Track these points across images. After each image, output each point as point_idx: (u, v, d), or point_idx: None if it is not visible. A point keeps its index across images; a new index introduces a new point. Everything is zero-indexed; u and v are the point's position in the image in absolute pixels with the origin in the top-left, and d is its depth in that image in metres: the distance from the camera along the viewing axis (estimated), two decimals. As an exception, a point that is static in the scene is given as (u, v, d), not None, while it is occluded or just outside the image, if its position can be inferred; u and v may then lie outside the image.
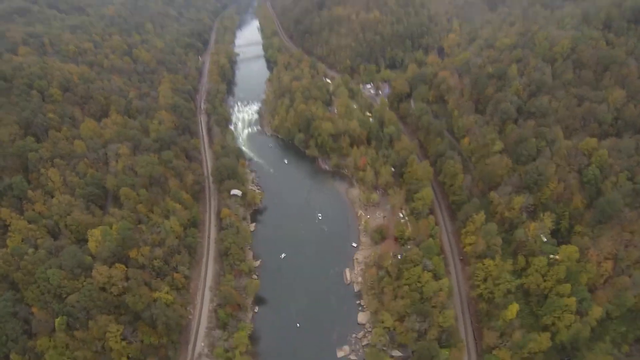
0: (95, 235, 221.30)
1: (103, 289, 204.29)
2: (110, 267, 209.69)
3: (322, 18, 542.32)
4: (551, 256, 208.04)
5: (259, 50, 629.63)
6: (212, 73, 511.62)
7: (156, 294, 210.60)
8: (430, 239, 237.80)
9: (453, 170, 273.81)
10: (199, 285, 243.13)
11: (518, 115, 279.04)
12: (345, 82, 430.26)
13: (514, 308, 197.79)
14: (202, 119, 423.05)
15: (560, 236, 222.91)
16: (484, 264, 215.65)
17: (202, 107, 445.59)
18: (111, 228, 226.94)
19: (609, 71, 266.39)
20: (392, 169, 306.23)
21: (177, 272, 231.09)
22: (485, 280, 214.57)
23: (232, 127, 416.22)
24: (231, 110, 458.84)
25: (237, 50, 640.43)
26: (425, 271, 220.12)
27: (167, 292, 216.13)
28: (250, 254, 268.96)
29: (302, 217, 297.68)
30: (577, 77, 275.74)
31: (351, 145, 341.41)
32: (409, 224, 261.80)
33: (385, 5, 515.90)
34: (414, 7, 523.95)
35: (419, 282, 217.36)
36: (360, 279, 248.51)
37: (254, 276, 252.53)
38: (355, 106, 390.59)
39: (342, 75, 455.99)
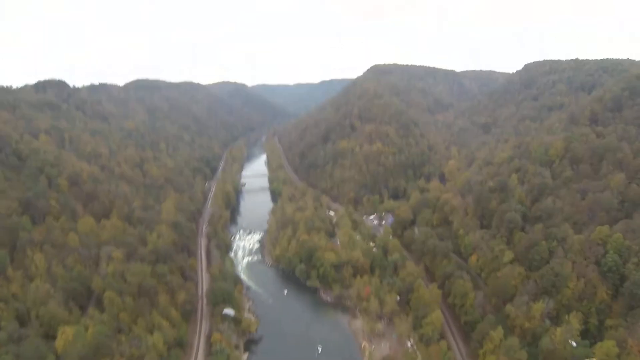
0: (66, 333, 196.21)
1: None
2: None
3: (326, 151, 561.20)
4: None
5: (264, 182, 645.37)
6: (217, 198, 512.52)
7: None
8: None
9: (463, 289, 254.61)
10: None
11: (524, 223, 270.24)
12: (348, 213, 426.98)
13: None
14: (202, 242, 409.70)
15: (591, 336, 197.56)
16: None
17: (203, 230, 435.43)
18: (86, 330, 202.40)
19: (605, 160, 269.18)
20: (398, 297, 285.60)
21: None
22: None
23: (232, 254, 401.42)
24: (233, 238, 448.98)
25: (243, 180, 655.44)
26: None
27: None
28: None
29: (301, 349, 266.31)
30: (576, 173, 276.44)
31: (354, 275, 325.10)
32: (418, 352, 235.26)
33: (387, 137, 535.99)
34: (414, 137, 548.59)
35: None
36: None
37: None
38: (358, 237, 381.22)
39: (345, 207, 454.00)
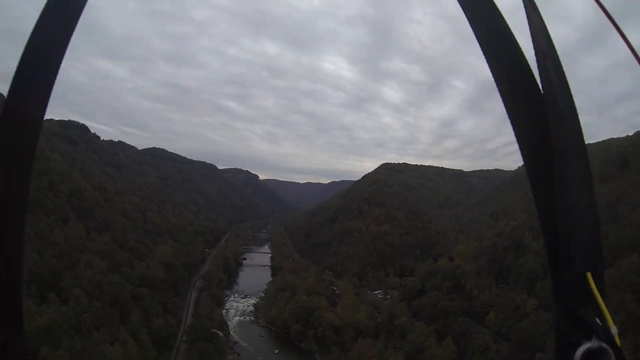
0: None
1: None
2: None
3: (333, 231, 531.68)
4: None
5: (266, 260, 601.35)
6: (216, 260, 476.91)
7: None
8: None
9: (482, 342, 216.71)
10: None
11: (544, 274, 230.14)
12: (353, 284, 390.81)
13: None
14: (193, 294, 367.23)
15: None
16: None
17: (196, 284, 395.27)
18: (39, 316, 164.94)
19: (621, 202, 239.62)
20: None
21: None
22: None
23: (223, 312, 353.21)
24: (227, 298, 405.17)
25: (244, 255, 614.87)
26: None
27: None
28: None
29: None
30: None
31: (355, 338, 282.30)
32: None
33: (395, 220, 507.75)
34: (422, 222, 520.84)
35: None
36: None
37: None
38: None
39: (349, 279, 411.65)
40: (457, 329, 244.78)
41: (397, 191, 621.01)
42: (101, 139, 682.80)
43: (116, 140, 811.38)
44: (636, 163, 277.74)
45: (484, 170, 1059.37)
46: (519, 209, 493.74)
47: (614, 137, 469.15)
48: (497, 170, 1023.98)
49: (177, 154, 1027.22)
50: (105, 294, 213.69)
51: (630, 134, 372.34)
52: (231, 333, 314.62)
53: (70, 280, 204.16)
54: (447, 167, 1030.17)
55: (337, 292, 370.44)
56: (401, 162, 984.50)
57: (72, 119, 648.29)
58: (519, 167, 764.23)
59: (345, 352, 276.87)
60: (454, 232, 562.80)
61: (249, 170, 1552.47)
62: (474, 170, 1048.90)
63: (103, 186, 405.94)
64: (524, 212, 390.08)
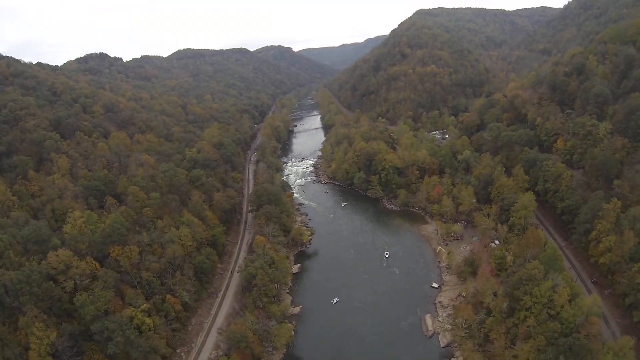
0: (75, 217, 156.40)
1: (54, 280, 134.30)
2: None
3: (378, 79, 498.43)
4: None
5: (316, 124, 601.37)
6: (266, 129, 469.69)
7: (129, 310, 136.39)
8: (549, 250, 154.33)
9: (555, 170, 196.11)
10: (205, 324, 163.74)
11: (614, 99, 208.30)
12: (408, 125, 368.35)
13: None
14: (250, 167, 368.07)
15: None
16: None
17: (251, 158, 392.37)
18: (101, 220, 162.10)
19: None
20: (475, 197, 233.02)
21: (172, 295, 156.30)
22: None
23: (283, 177, 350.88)
24: (284, 164, 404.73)
25: (294, 123, 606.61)
26: (557, 290, 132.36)
27: (148, 314, 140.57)
28: (287, 299, 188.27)
29: (365, 260, 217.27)
30: None
31: (421, 177, 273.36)
32: (507, 249, 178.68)
33: (440, 60, 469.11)
34: (469, 61, 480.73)
35: (550, 308, 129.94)
36: (448, 326, 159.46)
37: (289, 324, 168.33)
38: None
39: (404, 121, 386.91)
40: (524, 159, 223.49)
41: (437, 32, 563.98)
42: (123, 60, 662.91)
43: (139, 56, 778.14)
44: None
45: (528, 8, 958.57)
46: (574, 44, 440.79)
47: None
48: (542, 8, 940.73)
49: (204, 49, 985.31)
50: (160, 184, 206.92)
51: None
52: (295, 195, 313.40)
53: (124, 182, 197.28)
54: (487, 8, 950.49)
55: (394, 137, 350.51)
56: (436, 6, 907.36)
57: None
58: (569, 1, 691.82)
59: (413, 192, 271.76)
60: (503, 71, 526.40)
61: (281, 45, 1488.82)
62: (518, 9, 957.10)
63: (137, 96, 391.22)
64: (580, 46, 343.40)
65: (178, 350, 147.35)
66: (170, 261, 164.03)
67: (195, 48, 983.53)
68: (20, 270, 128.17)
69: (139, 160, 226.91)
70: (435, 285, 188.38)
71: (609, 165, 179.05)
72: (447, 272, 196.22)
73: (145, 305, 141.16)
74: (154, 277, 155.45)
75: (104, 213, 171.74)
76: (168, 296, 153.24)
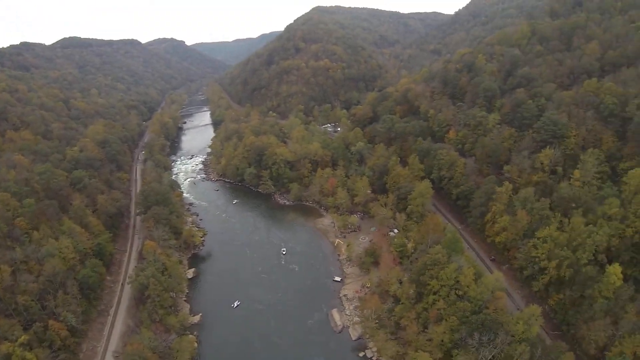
0: None
1: None
2: None
3: (270, 72, 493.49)
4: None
5: (206, 120, 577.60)
6: (154, 126, 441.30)
7: (5, 346, 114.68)
8: (449, 234, 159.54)
9: (448, 158, 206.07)
10: (98, 349, 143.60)
11: (501, 94, 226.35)
12: (300, 118, 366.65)
13: (616, 269, 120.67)
14: (138, 167, 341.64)
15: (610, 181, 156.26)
16: (539, 239, 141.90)
17: (139, 157, 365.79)
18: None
19: (575, 36, 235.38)
20: (369, 189, 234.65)
21: (56, 320, 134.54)
22: (549, 259, 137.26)
23: (172, 176, 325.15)
24: (173, 163, 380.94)
25: (183, 120, 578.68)
26: (462, 272, 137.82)
27: (27, 347, 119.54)
28: (185, 308, 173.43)
29: (262, 258, 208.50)
30: (546, 49, 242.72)
31: (313, 170, 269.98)
32: (407, 236, 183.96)
33: (334, 55, 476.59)
34: (362, 57, 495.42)
35: (457, 289, 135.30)
36: (357, 318, 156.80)
37: (190, 335, 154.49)
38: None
39: (295, 115, 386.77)
40: (418, 149, 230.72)
41: (332, 28, 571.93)
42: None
43: (19, 43, 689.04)
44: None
45: (421, 12, 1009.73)
46: (463, 46, 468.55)
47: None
48: (435, 13, 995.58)
49: (92, 39, 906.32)
50: (36, 188, 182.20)
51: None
52: (185, 195, 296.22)
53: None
54: (382, 9, 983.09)
55: (285, 130, 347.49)
56: (333, 4, 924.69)
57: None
58: (459, 9, 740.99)
59: (306, 186, 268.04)
60: (395, 68, 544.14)
61: (174, 38, 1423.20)
62: (411, 13, 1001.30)
63: (12, 87, 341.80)
64: (469, 49, 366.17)
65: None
66: (50, 279, 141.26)
67: (82, 37, 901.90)
68: None
69: (10, 162, 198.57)
70: (337, 278, 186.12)
71: (499, 152, 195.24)
72: (348, 265, 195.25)
73: (24, 337, 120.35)
74: (32, 300, 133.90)
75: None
76: (51, 322, 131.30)
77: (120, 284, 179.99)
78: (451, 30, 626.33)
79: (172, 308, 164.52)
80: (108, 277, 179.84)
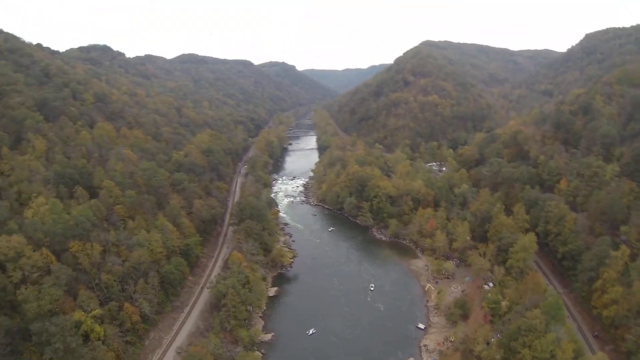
0: (39, 203, 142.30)
1: (2, 267, 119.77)
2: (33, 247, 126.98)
3: (378, 104, 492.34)
4: None
5: (312, 144, 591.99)
6: (259, 143, 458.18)
7: (78, 314, 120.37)
8: (551, 298, 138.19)
9: (557, 211, 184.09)
10: (164, 341, 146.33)
11: (621, 141, 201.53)
12: (406, 153, 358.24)
13: None
14: (239, 179, 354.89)
15: None
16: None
17: (241, 171, 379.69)
18: (67, 212, 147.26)
19: None
20: (470, 236, 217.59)
21: (132, 304, 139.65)
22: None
23: (271, 194, 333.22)
24: (274, 181, 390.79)
25: (289, 141, 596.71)
26: (560, 345, 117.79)
27: (99, 322, 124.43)
28: (259, 324, 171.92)
29: (348, 291, 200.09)
30: None
31: (414, 209, 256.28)
32: (502, 292, 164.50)
33: (444, 91, 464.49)
34: (472, 94, 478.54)
35: None
36: None
37: (257, 352, 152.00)
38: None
39: (401, 149, 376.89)
40: (525, 197, 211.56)
41: (442, 63, 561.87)
42: (126, 55, 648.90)
43: (143, 55, 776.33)
44: None
45: (531, 50, 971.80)
46: (577, 86, 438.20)
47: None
48: (546, 51, 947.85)
49: (208, 57, 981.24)
50: (139, 182, 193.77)
51: None
52: (281, 214, 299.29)
53: (100, 174, 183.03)
54: (491, 45, 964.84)
55: (390, 164, 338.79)
56: (443, 39, 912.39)
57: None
58: (572, 46, 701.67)
59: (405, 223, 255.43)
60: (504, 108, 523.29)
61: (285, 62, 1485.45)
62: (521, 50, 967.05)
63: (132, 91, 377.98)
64: (584, 89, 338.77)
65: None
66: (135, 266, 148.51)
67: (199, 54, 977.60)
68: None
69: (120, 155, 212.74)
70: (421, 326, 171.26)
71: (616, 209, 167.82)
72: (435, 313, 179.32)
73: (98, 310, 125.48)
74: (114, 281, 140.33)
75: (73, 204, 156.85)
76: (126, 305, 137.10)
77: (200, 286, 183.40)
78: (563, 69, 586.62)
79: (246, 321, 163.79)
80: (190, 278, 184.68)
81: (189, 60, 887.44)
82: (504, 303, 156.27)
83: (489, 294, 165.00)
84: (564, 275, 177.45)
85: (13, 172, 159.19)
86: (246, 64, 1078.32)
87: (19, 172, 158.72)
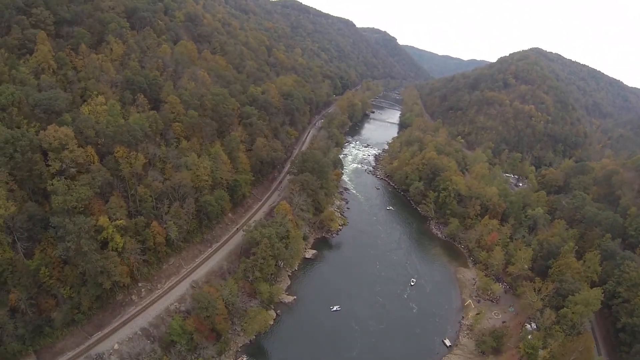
0: (97, 102, 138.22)
1: (45, 154, 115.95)
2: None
3: (471, 97, 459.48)
4: None
5: (394, 118, 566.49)
6: (342, 102, 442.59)
7: (102, 219, 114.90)
8: None
9: (635, 275, 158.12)
10: (182, 270, 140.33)
11: None
12: (487, 155, 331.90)
13: None
14: (311, 131, 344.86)
15: None
16: None
17: (316, 124, 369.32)
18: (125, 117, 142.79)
19: None
20: (531, 263, 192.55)
21: (160, 225, 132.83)
22: None
23: (340, 155, 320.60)
24: (346, 144, 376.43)
25: (372, 109, 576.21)
26: None
27: (121, 231, 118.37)
28: (285, 283, 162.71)
29: (386, 280, 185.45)
30: None
31: (480, 215, 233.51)
32: (548, 340, 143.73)
33: (542, 104, 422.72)
34: (570, 117, 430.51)
35: None
36: None
37: (272, 311, 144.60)
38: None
39: (483, 150, 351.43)
40: (602, 246, 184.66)
41: (547, 75, 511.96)
42: None
43: None
44: None
45: None
46: None
47: None
48: None
49: (310, 7, 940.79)
50: (206, 106, 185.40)
51: None
52: (344, 178, 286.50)
53: (169, 89, 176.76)
54: (604, 72, 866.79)
55: (467, 162, 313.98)
56: (554, 52, 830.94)
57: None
58: None
59: (465, 228, 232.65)
60: (600, 143, 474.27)
61: (387, 32, 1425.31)
62: (636, 87, 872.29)
63: (226, 21, 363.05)
64: None
65: (140, 285, 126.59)
66: (174, 187, 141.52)
67: (303, 3, 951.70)
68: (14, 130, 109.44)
69: (194, 75, 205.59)
70: (447, 342, 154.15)
71: None
72: (467, 334, 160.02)
73: (122, 221, 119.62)
74: (150, 196, 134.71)
75: (132, 110, 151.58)
76: (154, 223, 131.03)
77: (237, 226, 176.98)
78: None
79: (272, 276, 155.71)
80: (230, 215, 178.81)
81: (291, 7, 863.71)
82: (542, 353, 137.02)
83: (530, 337, 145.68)
84: (616, 347, 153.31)
85: (84, 69, 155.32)
86: (348, 23, 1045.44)
87: (90, 70, 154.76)
